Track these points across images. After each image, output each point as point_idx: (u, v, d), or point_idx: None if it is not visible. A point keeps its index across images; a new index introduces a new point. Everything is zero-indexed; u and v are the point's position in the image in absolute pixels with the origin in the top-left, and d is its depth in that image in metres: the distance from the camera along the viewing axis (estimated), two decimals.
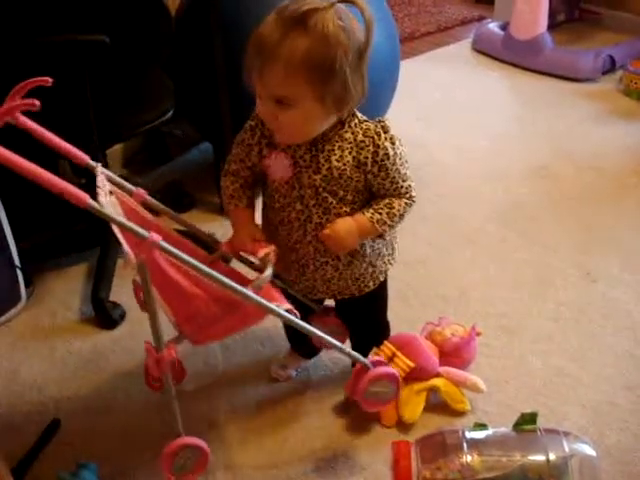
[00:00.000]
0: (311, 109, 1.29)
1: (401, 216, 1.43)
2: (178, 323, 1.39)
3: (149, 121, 1.95)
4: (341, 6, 1.27)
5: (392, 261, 1.56)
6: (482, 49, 3.72)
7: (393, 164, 1.38)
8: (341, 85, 1.28)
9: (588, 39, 3.80)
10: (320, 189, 1.38)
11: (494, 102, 3.29)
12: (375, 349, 1.62)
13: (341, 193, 1.40)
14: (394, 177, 1.39)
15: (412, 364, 1.61)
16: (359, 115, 1.40)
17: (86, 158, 1.37)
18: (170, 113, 1.99)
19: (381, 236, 1.48)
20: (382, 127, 1.38)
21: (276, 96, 1.28)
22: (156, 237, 1.19)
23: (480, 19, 4.14)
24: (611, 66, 3.41)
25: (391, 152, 1.37)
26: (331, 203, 1.40)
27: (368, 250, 1.47)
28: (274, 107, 1.29)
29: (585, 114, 3.09)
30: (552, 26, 3.60)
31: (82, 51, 1.69)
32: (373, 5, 2.35)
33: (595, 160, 2.73)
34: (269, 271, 1.36)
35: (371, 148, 1.36)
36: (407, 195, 1.43)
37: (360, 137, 1.37)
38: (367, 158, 1.36)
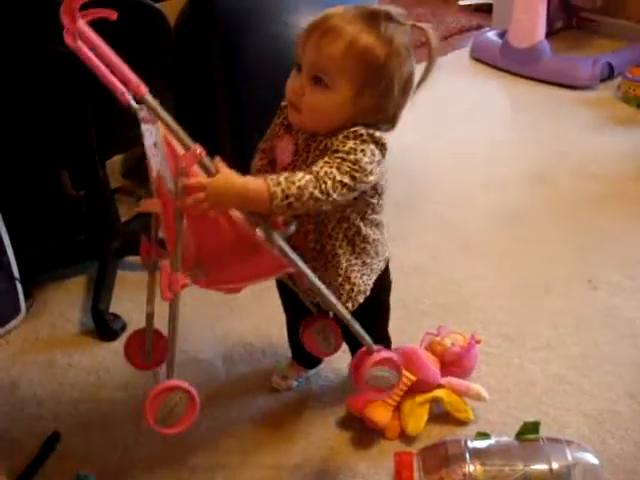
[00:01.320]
0: (340, 100, 1.28)
1: (300, 189, 1.19)
2: (199, 253, 1.29)
3: None
4: (408, 28, 1.31)
5: (369, 281, 1.47)
6: (480, 58, 3.73)
7: (345, 152, 1.25)
8: (380, 95, 1.29)
9: (586, 47, 3.81)
10: None
11: (492, 110, 3.30)
12: None
13: None
14: (331, 160, 1.24)
15: (413, 378, 1.61)
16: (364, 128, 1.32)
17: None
18: None
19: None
20: (368, 132, 1.28)
21: (320, 71, 1.26)
22: (200, 150, 1.16)
23: (478, 28, 4.14)
24: (609, 73, 3.41)
25: (350, 144, 1.26)
26: None
27: (343, 263, 1.40)
28: (308, 83, 1.28)
29: (583, 121, 3.09)
30: (550, 34, 3.61)
31: (81, 62, 1.69)
32: None
33: (594, 167, 2.73)
34: (293, 227, 1.31)
35: (340, 138, 1.27)
36: (320, 177, 1.21)
37: (345, 133, 1.28)
38: (332, 144, 1.28)
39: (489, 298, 2.06)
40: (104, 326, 1.95)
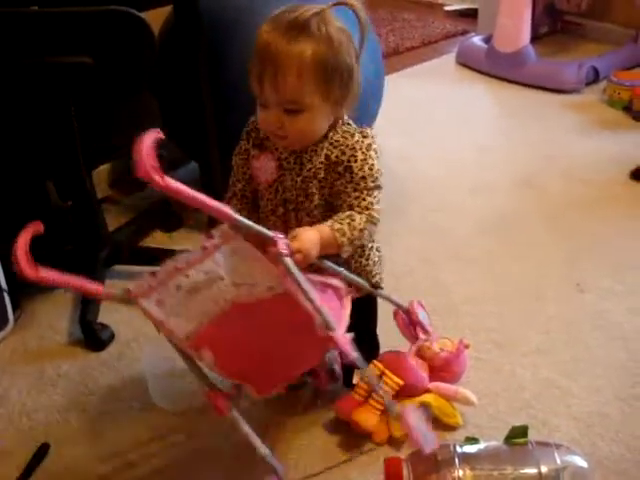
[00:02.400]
0: (318, 110, 1.33)
1: (361, 232, 1.35)
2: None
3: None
4: (332, 10, 1.32)
5: (379, 276, 1.56)
6: (466, 62, 3.74)
7: (359, 169, 1.36)
8: (341, 83, 1.32)
9: (571, 51, 3.83)
10: (300, 192, 1.39)
11: (479, 115, 3.31)
12: (359, 371, 1.62)
13: (316, 198, 1.40)
14: (358, 184, 1.36)
15: (401, 382, 1.61)
16: (345, 117, 1.42)
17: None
18: None
19: (339, 256, 1.40)
20: (361, 132, 1.39)
21: (288, 102, 1.30)
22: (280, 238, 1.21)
23: (464, 33, 4.16)
24: (595, 77, 3.43)
25: (360, 156, 1.36)
26: (305, 209, 1.41)
27: (352, 265, 1.49)
28: (282, 115, 1.32)
29: (570, 125, 3.10)
30: (535, 38, 3.63)
31: (66, 73, 1.69)
32: (356, 21, 2.36)
33: (581, 170, 2.74)
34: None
35: (342, 148, 1.37)
36: (368, 212, 1.36)
37: (337, 137, 1.38)
38: (337, 157, 1.37)
39: (478, 303, 2.06)
40: (92, 336, 1.94)
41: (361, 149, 1.37)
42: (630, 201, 2.53)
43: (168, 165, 2.32)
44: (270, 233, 1.22)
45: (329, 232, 1.32)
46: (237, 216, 1.20)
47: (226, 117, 2.17)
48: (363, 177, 1.36)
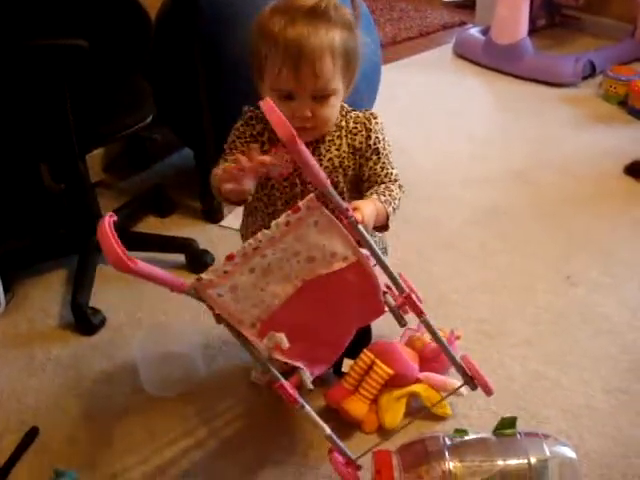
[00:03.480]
0: (340, 94, 1.37)
1: (399, 201, 1.46)
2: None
3: (129, 126, 1.94)
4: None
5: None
6: (463, 54, 3.74)
7: (384, 148, 1.45)
8: (355, 65, 1.37)
9: (568, 44, 3.83)
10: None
11: (475, 107, 3.30)
12: (349, 361, 1.66)
13: (341, 185, 1.45)
14: (384, 162, 1.45)
15: (391, 372, 1.62)
16: (346, 105, 1.47)
17: None
18: (150, 118, 1.98)
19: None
20: (371, 114, 1.46)
21: (321, 89, 1.33)
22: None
23: (461, 24, 4.15)
24: (591, 71, 3.43)
25: (381, 136, 1.45)
26: (364, 186, 1.47)
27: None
28: (312, 104, 1.34)
29: (565, 119, 3.11)
30: (533, 31, 3.63)
31: (61, 56, 1.68)
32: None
33: (575, 164, 2.74)
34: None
35: (364, 133, 1.44)
36: (398, 182, 1.47)
37: (352, 124, 1.44)
38: (362, 143, 1.44)
39: (469, 294, 2.06)
40: (84, 320, 1.94)
41: (381, 130, 1.46)
42: (623, 196, 2.54)
43: (162, 150, 2.34)
44: (344, 204, 1.25)
45: (380, 204, 1.39)
46: (328, 186, 1.22)
47: (221, 101, 2.17)
48: (387, 155, 1.47)
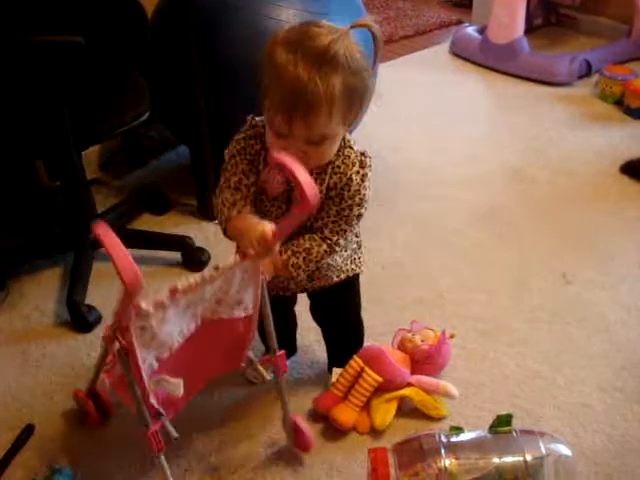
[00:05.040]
0: (339, 136, 1.32)
1: (317, 262, 1.42)
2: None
3: (125, 123, 1.94)
4: (350, 32, 1.27)
5: (362, 258, 1.58)
6: (460, 53, 3.73)
7: (350, 198, 1.37)
8: (360, 105, 1.30)
9: (564, 43, 3.83)
10: None
11: (471, 106, 3.30)
12: (338, 370, 1.66)
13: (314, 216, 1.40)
14: (343, 209, 1.38)
15: (380, 379, 1.62)
16: (347, 137, 1.39)
17: None
18: (146, 115, 1.97)
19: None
20: (360, 161, 1.38)
21: (319, 137, 1.27)
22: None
23: (458, 23, 4.15)
24: (587, 71, 3.43)
25: (354, 187, 1.37)
26: (308, 220, 1.40)
27: (338, 260, 1.51)
28: (306, 146, 1.28)
29: (561, 118, 3.11)
30: (529, 30, 3.62)
31: (57, 52, 1.68)
32: (351, 9, 2.36)
33: (570, 164, 2.74)
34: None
35: (341, 176, 1.36)
36: (331, 241, 1.40)
37: (338, 162, 1.37)
38: (335, 184, 1.37)
39: (465, 293, 2.07)
40: (79, 317, 1.94)
41: (357, 180, 1.37)
42: (619, 195, 2.54)
43: (158, 147, 2.34)
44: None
45: (284, 265, 1.39)
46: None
47: (218, 101, 2.17)
48: (350, 206, 1.38)
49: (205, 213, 2.39)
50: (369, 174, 1.38)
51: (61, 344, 1.90)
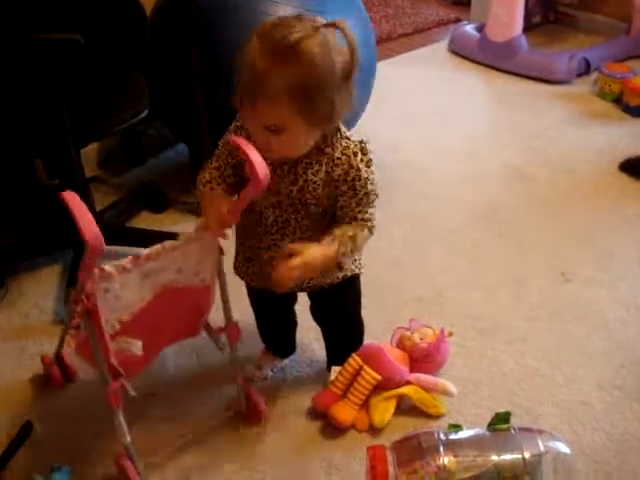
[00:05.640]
0: (300, 132, 1.31)
1: (362, 245, 1.45)
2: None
3: (124, 121, 1.93)
4: (328, 30, 1.27)
5: (360, 261, 1.58)
6: (458, 51, 3.73)
7: (362, 187, 1.39)
8: (328, 105, 1.29)
9: (563, 41, 3.83)
10: (296, 200, 1.40)
11: (470, 104, 3.30)
12: (337, 368, 1.66)
13: (312, 207, 1.41)
14: (361, 199, 1.40)
15: (379, 377, 1.62)
16: (342, 130, 1.40)
17: None
18: (144, 113, 1.97)
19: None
20: (361, 148, 1.39)
21: (267, 125, 1.29)
22: None
23: (456, 21, 4.15)
24: (586, 68, 3.43)
25: (363, 175, 1.38)
26: (301, 212, 1.42)
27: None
28: (266, 134, 1.30)
29: (560, 116, 3.11)
30: (528, 28, 3.62)
31: (56, 50, 1.67)
32: (350, 7, 2.36)
33: (569, 162, 2.75)
34: None
35: (345, 167, 1.37)
36: (369, 224, 1.43)
37: (337, 154, 1.38)
38: (340, 175, 1.38)
39: (464, 291, 2.07)
40: None
41: (363, 168, 1.38)
42: (618, 192, 2.54)
43: (157, 145, 2.33)
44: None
45: (333, 255, 1.39)
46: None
47: (216, 99, 2.17)
48: (366, 193, 1.40)
49: None
50: (372, 160, 1.40)
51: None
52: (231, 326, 1.58)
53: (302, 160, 1.37)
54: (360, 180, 1.38)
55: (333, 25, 1.28)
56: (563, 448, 1.44)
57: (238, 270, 1.60)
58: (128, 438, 1.44)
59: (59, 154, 1.97)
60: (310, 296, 1.65)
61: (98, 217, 2.18)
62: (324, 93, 1.27)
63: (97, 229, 1.14)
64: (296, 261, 1.33)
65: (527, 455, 1.39)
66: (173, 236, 2.18)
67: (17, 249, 2.20)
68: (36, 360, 1.82)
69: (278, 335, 1.80)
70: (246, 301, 1.72)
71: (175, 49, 2.19)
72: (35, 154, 2.17)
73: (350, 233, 1.40)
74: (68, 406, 1.71)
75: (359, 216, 1.42)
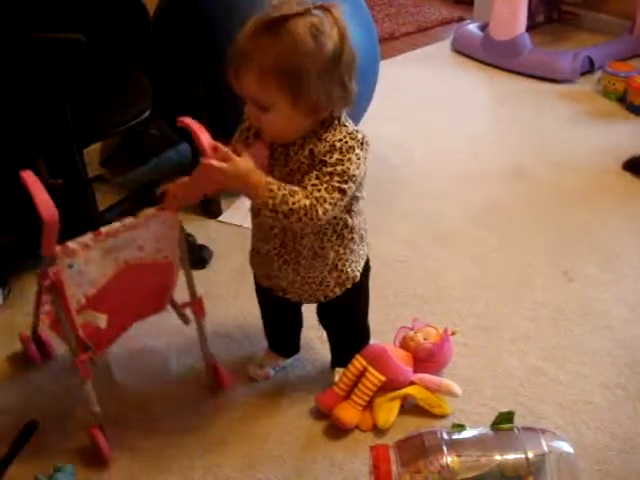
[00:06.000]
0: (286, 114, 1.31)
1: (291, 211, 1.30)
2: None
3: (126, 121, 1.93)
4: (317, 12, 1.27)
5: (358, 267, 1.55)
6: (461, 50, 3.73)
7: (332, 165, 1.33)
8: (314, 92, 1.29)
9: (567, 40, 3.82)
10: (286, 183, 1.37)
11: (472, 103, 3.30)
12: (340, 369, 1.67)
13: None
14: (323, 175, 1.33)
15: (383, 378, 1.62)
16: (343, 120, 1.38)
17: None
18: (147, 113, 1.97)
19: (341, 243, 1.47)
20: (350, 133, 1.36)
21: (254, 100, 1.31)
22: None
23: (460, 20, 4.14)
24: (589, 67, 3.43)
25: (336, 154, 1.33)
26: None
27: (331, 255, 1.48)
28: (255, 110, 1.33)
29: (563, 115, 3.10)
30: (531, 27, 3.62)
31: (58, 50, 1.67)
32: (353, 6, 2.36)
33: (573, 160, 2.74)
34: None
35: (325, 143, 1.35)
36: (314, 202, 1.31)
37: (327, 135, 1.36)
38: (319, 152, 1.35)
39: (467, 290, 2.06)
40: None
41: (341, 148, 1.34)
42: (622, 192, 2.54)
43: (160, 145, 2.33)
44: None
45: (263, 185, 1.30)
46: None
47: (219, 98, 2.17)
48: (330, 173, 1.32)
49: (207, 211, 2.39)
50: (357, 150, 1.34)
51: (62, 342, 1.89)
52: (196, 301, 1.63)
53: (296, 142, 1.37)
54: (332, 158, 1.33)
55: (322, 8, 1.28)
56: (566, 448, 1.43)
57: (251, 262, 1.61)
58: (97, 407, 1.53)
59: (62, 154, 1.97)
60: (317, 305, 1.64)
61: (101, 216, 2.20)
62: (308, 75, 1.27)
63: (53, 206, 1.28)
64: (220, 171, 1.30)
65: (530, 455, 1.39)
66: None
67: (20, 249, 2.20)
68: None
69: (283, 335, 1.80)
70: (256, 307, 1.74)
71: (178, 48, 2.19)
72: (38, 153, 2.17)
73: (294, 188, 1.32)
74: (73, 406, 1.70)
75: (310, 188, 1.32)
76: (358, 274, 1.55)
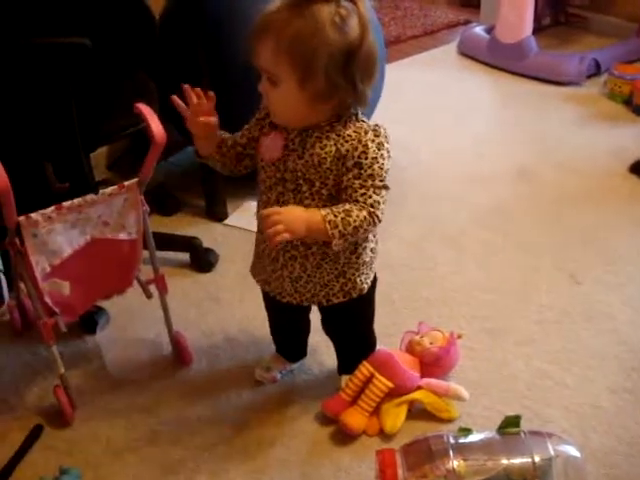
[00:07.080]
0: (292, 93, 1.32)
1: (356, 229, 1.34)
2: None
3: (133, 124, 1.94)
4: (346, 4, 1.28)
5: (367, 280, 1.54)
6: (468, 52, 3.73)
7: (369, 166, 1.35)
8: (324, 79, 1.29)
9: (573, 43, 3.82)
10: (299, 174, 1.39)
11: (479, 105, 3.30)
12: (347, 377, 1.66)
13: (317, 184, 1.39)
14: (365, 180, 1.35)
15: (391, 385, 1.61)
16: (360, 116, 1.40)
17: None
18: None
19: (333, 253, 1.44)
20: (374, 130, 1.38)
21: (267, 71, 1.32)
22: None
23: (466, 23, 4.14)
24: (596, 70, 3.42)
25: (371, 153, 1.35)
26: (305, 192, 1.40)
27: (342, 259, 1.47)
28: (266, 82, 1.34)
29: (569, 118, 3.10)
30: (537, 30, 3.61)
31: (64, 54, 1.68)
32: None
33: (578, 163, 2.74)
34: None
35: (354, 143, 1.35)
36: (371, 209, 1.35)
37: (349, 132, 1.37)
38: (348, 151, 1.35)
39: (473, 293, 2.06)
40: (87, 318, 1.93)
41: (373, 147, 1.35)
42: (628, 194, 2.53)
43: (166, 148, 2.33)
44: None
45: (320, 220, 1.32)
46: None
47: (225, 101, 2.17)
48: (371, 175, 1.35)
49: (213, 214, 2.39)
50: (386, 145, 1.37)
51: (69, 344, 1.89)
52: (159, 277, 1.74)
53: (313, 134, 1.37)
54: (367, 158, 1.35)
55: (352, 1, 1.29)
56: (573, 452, 1.43)
57: (252, 269, 1.62)
58: (62, 369, 1.64)
59: (69, 157, 1.97)
60: (321, 310, 1.63)
61: None
62: (319, 61, 1.27)
63: (5, 175, 1.40)
64: (275, 213, 1.31)
65: (537, 459, 1.39)
66: (183, 238, 2.21)
67: None
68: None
69: (290, 341, 1.80)
70: (263, 310, 1.73)
71: (184, 52, 2.19)
72: (45, 158, 2.18)
73: (346, 207, 1.34)
74: (79, 409, 1.71)
75: (360, 198, 1.35)
76: (366, 287, 1.54)
